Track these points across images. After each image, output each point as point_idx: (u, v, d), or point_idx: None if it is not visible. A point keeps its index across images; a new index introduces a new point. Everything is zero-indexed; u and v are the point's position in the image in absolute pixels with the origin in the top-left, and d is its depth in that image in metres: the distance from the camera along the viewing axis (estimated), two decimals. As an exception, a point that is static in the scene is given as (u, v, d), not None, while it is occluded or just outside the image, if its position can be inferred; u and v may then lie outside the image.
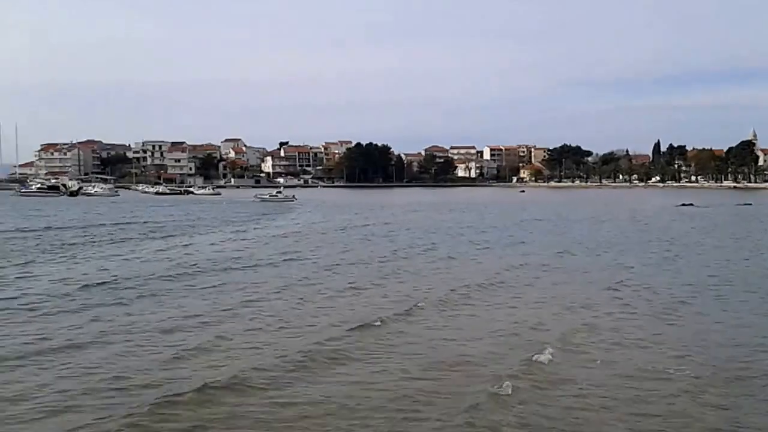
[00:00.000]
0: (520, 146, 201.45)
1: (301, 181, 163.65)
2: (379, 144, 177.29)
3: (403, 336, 11.07)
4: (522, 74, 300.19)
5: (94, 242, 27.26)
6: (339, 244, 27.23)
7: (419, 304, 13.53)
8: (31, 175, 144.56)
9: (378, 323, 11.74)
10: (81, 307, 13.24)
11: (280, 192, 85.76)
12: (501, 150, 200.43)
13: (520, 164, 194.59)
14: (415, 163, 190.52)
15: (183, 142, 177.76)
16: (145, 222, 40.08)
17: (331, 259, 21.62)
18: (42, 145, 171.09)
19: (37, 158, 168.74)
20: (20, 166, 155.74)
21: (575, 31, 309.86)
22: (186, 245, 26.44)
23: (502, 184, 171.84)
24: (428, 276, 18.13)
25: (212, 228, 36.18)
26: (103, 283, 16.13)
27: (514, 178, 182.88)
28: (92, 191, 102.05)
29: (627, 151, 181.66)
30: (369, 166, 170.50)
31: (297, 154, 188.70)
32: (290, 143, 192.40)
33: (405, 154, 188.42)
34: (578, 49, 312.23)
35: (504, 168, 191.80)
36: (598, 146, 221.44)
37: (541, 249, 24.88)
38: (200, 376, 8.67)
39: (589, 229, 35.15)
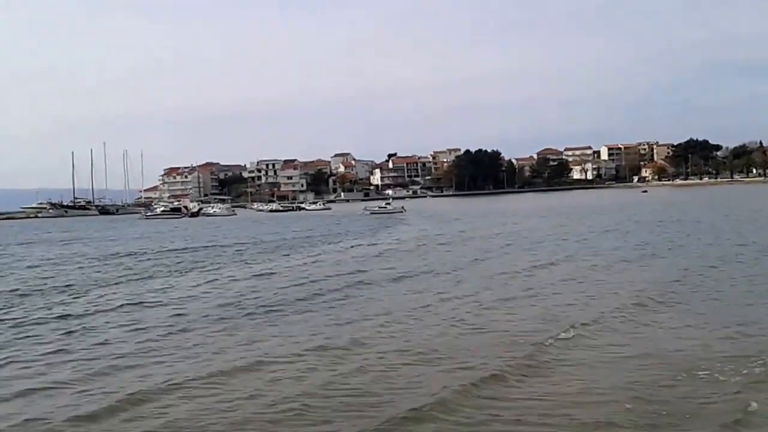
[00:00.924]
0: (640, 144, 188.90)
1: (410, 192, 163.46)
2: (489, 150, 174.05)
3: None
4: (641, 67, 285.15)
5: (220, 262, 26.58)
6: (463, 254, 25.47)
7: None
8: (155, 198, 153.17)
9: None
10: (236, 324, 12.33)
11: (389, 204, 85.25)
12: (620, 149, 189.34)
13: (641, 163, 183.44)
14: (526, 168, 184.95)
15: (294, 160, 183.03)
16: (275, 238, 40.14)
17: (470, 272, 19.66)
18: (165, 169, 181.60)
19: (160, 182, 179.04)
20: (146, 190, 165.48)
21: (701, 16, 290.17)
22: (313, 260, 25.77)
23: (621, 184, 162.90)
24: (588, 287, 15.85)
25: (329, 242, 35.53)
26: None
27: (635, 178, 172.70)
28: (212, 211, 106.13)
29: (761, 142, 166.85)
30: (479, 173, 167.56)
31: (405, 165, 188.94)
32: (398, 154, 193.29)
33: (516, 159, 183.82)
34: (702, 35, 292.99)
35: (623, 168, 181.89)
36: (727, 139, 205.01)
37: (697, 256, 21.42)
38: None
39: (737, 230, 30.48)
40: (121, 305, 15.82)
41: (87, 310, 15.25)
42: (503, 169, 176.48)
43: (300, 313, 13.76)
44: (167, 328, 12.70)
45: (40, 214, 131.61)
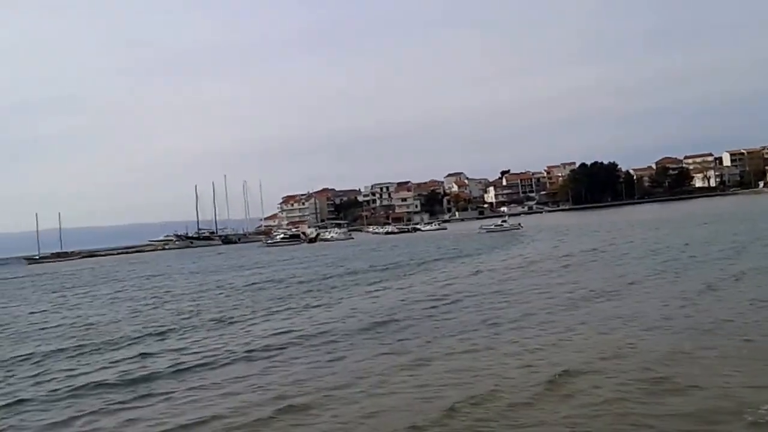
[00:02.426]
0: (764, 147, 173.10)
1: (525, 208, 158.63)
2: (605, 162, 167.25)
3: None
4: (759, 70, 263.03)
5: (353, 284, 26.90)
6: (600, 270, 22.76)
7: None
8: (274, 226, 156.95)
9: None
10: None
11: (505, 221, 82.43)
12: (743, 154, 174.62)
13: (766, 167, 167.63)
14: (645, 178, 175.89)
15: (408, 182, 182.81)
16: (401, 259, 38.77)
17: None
18: (283, 197, 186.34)
19: (279, 210, 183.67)
20: (265, 218, 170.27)
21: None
22: (447, 280, 25.21)
23: (747, 190, 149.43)
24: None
25: (451, 260, 33.72)
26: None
27: (761, 183, 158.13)
28: (329, 236, 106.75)
29: None
30: (595, 185, 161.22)
31: (519, 181, 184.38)
32: (511, 171, 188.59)
33: (633, 170, 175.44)
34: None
35: (747, 173, 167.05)
36: None
37: None
38: None
39: None
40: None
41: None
42: (620, 180, 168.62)
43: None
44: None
45: (167, 246, 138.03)
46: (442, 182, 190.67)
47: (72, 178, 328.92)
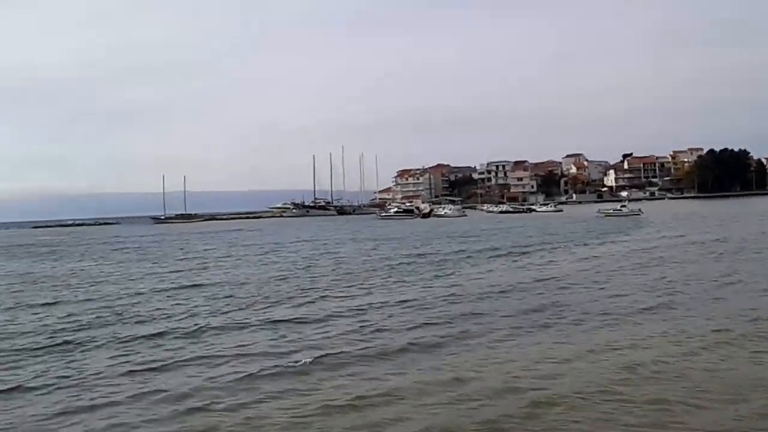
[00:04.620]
0: None
1: (647, 194, 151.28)
2: (735, 149, 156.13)
3: None
4: None
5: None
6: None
7: None
8: (389, 199, 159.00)
9: None
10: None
11: (624, 206, 79.24)
12: None
13: None
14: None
15: (525, 161, 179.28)
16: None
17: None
18: (398, 171, 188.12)
19: (394, 184, 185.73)
20: (380, 191, 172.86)
21: None
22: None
23: None
24: None
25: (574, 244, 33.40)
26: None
27: None
28: (442, 212, 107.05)
29: None
30: (723, 174, 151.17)
31: (642, 165, 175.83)
32: (634, 154, 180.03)
33: (766, 159, 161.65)
34: None
35: None
36: None
37: None
38: None
39: None
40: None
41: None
42: (752, 169, 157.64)
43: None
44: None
45: (284, 214, 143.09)
46: (560, 163, 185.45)
47: (197, 143, 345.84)
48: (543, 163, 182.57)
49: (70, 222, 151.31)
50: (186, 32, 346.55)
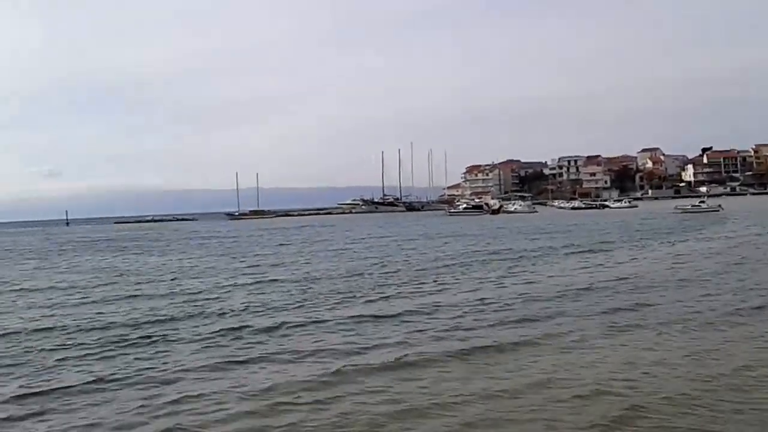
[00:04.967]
0: None
1: (727, 189, 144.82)
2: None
3: None
4: None
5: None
6: None
7: None
8: (458, 195, 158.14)
9: None
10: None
11: (703, 202, 76.50)
12: None
13: None
14: None
15: (598, 156, 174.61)
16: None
17: None
18: (467, 167, 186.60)
19: (463, 180, 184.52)
20: (448, 188, 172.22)
21: None
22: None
23: None
24: None
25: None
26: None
27: None
28: (512, 209, 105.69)
29: None
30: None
31: (722, 159, 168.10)
32: (714, 148, 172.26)
33: None
34: None
35: None
36: None
37: None
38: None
39: None
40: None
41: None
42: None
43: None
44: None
45: (353, 210, 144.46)
46: (635, 157, 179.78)
47: (270, 141, 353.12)
48: (617, 157, 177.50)
49: (149, 218, 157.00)
50: (256, 32, 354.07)
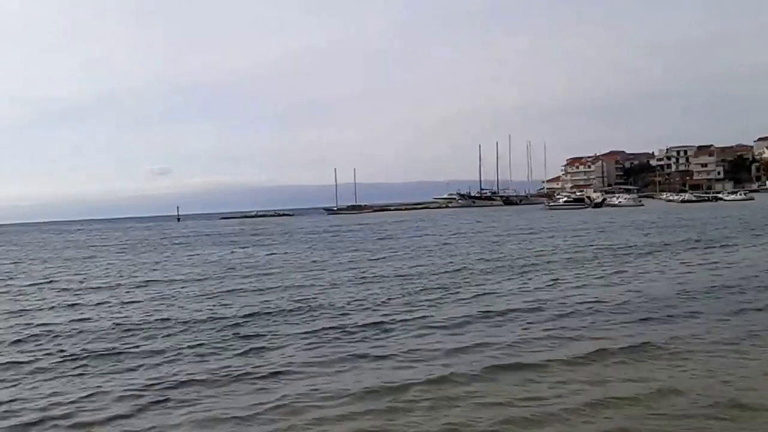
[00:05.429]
0: None
1: None
2: None
3: None
4: None
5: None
6: None
7: None
8: (558, 189, 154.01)
9: None
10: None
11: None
12: None
13: None
14: None
15: (710, 146, 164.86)
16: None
17: None
18: (567, 159, 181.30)
19: (563, 173, 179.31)
20: (548, 181, 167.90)
21: None
22: None
23: None
24: None
25: None
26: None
27: None
28: (616, 202, 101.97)
29: None
30: None
31: None
32: None
33: None
34: None
35: None
36: None
37: None
38: None
39: None
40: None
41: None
42: None
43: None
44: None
45: (450, 204, 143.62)
46: (751, 147, 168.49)
47: (367, 137, 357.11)
48: (731, 147, 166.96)
49: (252, 213, 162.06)
50: (355, 28, 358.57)
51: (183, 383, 9.37)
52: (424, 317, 13.76)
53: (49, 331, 14.01)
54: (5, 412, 8.42)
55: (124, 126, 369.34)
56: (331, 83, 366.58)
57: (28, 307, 18.17)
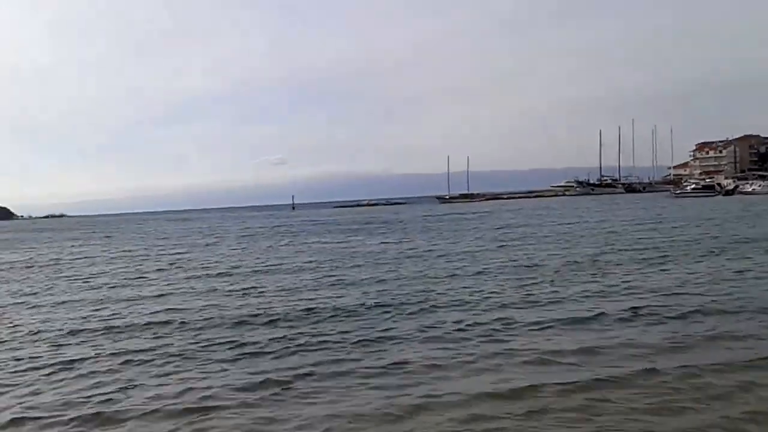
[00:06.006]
0: None
1: None
2: None
3: None
4: None
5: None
6: None
7: None
8: (685, 175, 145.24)
9: None
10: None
11: None
12: None
13: None
14: None
15: None
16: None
17: None
18: (696, 144, 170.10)
19: (691, 158, 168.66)
20: (675, 167, 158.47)
21: None
22: None
23: None
24: None
25: None
26: None
27: None
28: (749, 189, 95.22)
29: None
30: None
31: None
32: None
33: None
34: None
35: None
36: None
37: None
38: None
39: None
40: None
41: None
42: None
43: None
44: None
45: (567, 192, 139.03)
46: None
47: (479, 124, 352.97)
48: None
49: (365, 202, 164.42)
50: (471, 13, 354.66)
51: (305, 375, 9.17)
52: (545, 314, 12.92)
53: (181, 317, 14.31)
54: (149, 399, 8.45)
55: (244, 118, 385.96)
56: (443, 72, 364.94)
57: (165, 292, 18.86)
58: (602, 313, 12.45)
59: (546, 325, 11.79)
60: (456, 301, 14.89)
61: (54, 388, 9.07)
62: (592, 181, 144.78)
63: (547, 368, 9.02)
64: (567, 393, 7.82)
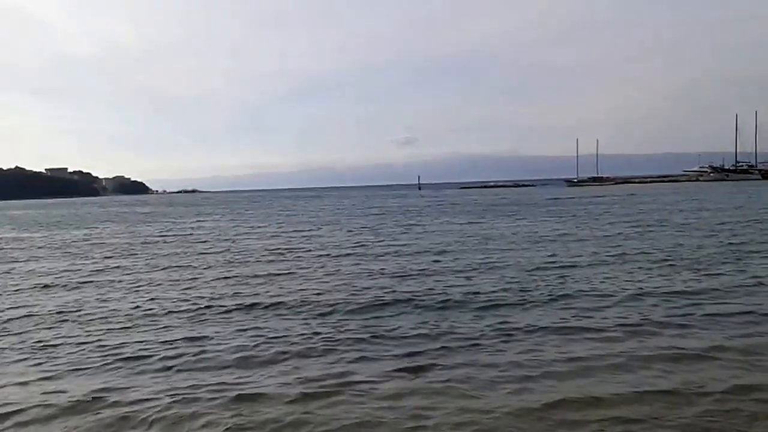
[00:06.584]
0: None
1: None
2: None
3: None
4: None
5: None
6: None
7: None
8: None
9: None
10: None
11: None
12: None
13: None
14: None
15: None
16: None
17: None
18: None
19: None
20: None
21: None
22: None
23: None
24: None
25: None
26: None
27: None
28: None
29: None
30: None
31: None
32: None
33: None
34: None
35: None
36: None
37: None
38: None
39: None
40: None
41: None
42: None
43: None
44: None
45: (701, 178, 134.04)
46: None
47: (612, 107, 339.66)
48: None
49: (492, 183, 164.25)
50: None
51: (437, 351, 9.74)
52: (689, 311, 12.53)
53: (323, 292, 15.17)
54: (301, 379, 8.86)
55: (373, 97, 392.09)
56: (572, 52, 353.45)
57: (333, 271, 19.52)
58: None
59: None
60: (590, 289, 14.55)
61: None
62: (727, 167, 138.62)
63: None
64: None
